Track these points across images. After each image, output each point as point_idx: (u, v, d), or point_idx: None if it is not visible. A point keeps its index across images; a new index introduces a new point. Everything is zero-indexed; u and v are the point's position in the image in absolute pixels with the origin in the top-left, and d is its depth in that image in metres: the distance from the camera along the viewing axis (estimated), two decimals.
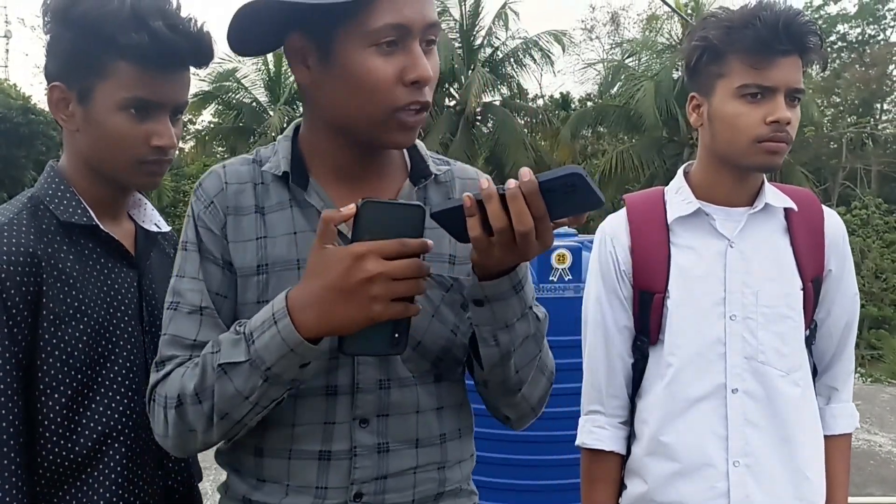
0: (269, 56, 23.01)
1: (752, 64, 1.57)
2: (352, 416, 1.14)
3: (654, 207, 1.72)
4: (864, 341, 23.09)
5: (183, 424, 1.10)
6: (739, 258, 1.64)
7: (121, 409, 1.30)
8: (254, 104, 23.81)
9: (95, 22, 1.23)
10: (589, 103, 26.25)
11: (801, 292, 1.65)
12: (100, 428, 1.27)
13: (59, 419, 1.24)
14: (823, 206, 1.74)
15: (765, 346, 1.61)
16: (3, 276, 1.18)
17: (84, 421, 1.26)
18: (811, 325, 1.71)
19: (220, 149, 26.77)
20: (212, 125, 25.77)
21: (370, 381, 1.15)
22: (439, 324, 1.17)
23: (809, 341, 1.71)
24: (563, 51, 21.86)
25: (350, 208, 0.98)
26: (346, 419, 1.14)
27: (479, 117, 21.77)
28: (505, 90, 22.91)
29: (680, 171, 1.76)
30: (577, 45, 25.73)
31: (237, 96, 23.66)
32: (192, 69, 1.34)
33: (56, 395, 1.23)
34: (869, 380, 17.31)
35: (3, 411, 1.18)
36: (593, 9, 26.84)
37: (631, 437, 1.74)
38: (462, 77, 21.36)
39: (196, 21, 1.29)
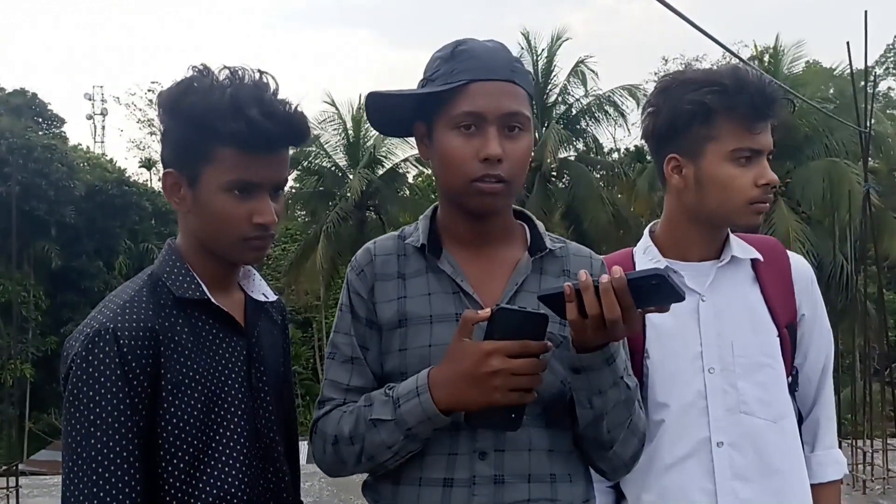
0: (349, 122, 23.66)
1: (748, 128, 1.59)
2: (472, 449, 1.33)
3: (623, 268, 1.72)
4: None
5: (337, 457, 1.39)
6: (712, 311, 1.64)
7: (234, 472, 1.36)
8: (333, 168, 24.45)
9: (200, 113, 1.34)
10: None
11: (778, 339, 1.65)
12: (215, 492, 1.34)
13: (178, 483, 1.32)
14: (789, 252, 1.75)
15: (746, 397, 1.61)
16: (125, 350, 1.28)
17: (201, 485, 1.34)
18: (792, 372, 1.70)
19: (301, 212, 27.41)
20: (293, 190, 26.45)
21: None
22: (550, 374, 1.31)
23: (793, 388, 1.70)
24: (638, 105, 21.83)
25: (486, 311, 1.23)
26: (468, 451, 1.33)
27: (554, 173, 21.82)
28: (580, 145, 22.94)
29: (646, 231, 1.78)
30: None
31: (317, 161, 24.34)
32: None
33: (175, 461, 1.32)
34: None
35: (126, 477, 1.26)
36: (666, 61, 26.83)
37: (619, 500, 1.72)
38: (537, 134, 21.47)
39: (290, 104, 1.38)
